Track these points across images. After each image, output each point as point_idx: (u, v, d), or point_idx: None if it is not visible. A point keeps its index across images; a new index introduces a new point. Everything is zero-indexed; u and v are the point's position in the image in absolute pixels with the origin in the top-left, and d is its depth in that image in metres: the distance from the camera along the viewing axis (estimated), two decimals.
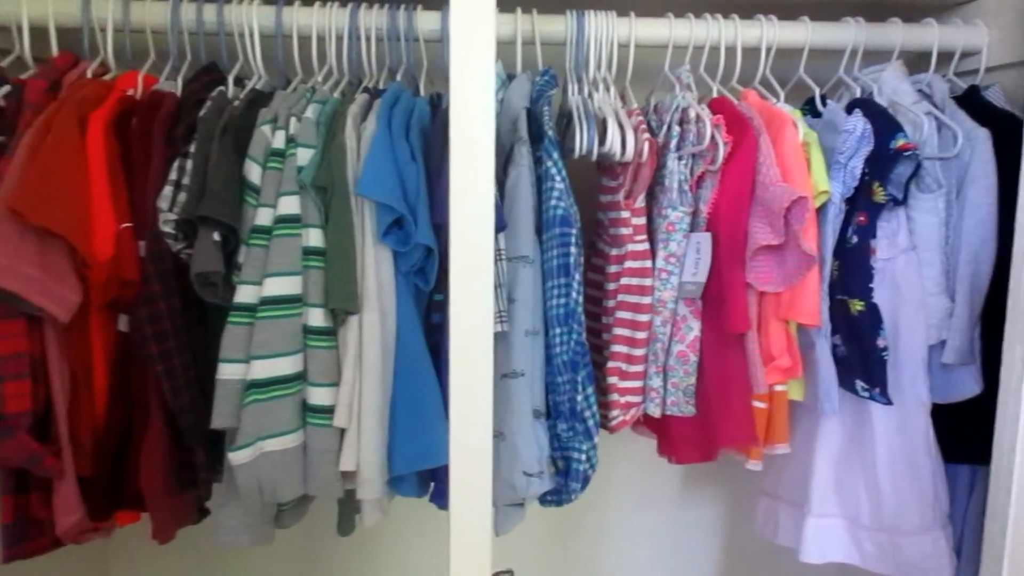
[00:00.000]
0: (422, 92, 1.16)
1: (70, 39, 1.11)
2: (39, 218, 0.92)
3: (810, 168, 1.12)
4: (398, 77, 1.15)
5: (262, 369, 0.97)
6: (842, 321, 1.15)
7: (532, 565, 1.64)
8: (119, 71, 1.11)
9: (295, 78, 1.14)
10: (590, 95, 1.16)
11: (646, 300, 1.15)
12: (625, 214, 1.14)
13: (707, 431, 1.17)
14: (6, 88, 1.03)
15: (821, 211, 1.13)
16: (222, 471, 1.07)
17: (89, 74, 1.08)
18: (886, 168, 1.11)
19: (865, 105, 1.14)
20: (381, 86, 1.16)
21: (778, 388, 1.18)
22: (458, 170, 0.83)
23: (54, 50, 1.10)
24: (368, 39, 1.13)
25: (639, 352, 1.16)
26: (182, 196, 0.99)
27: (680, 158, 1.14)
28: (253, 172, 1.01)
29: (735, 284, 1.11)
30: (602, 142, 1.09)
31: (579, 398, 1.08)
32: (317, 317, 1.00)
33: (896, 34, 1.23)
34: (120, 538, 1.15)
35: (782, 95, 1.22)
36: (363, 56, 1.14)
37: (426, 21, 1.14)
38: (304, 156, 1.01)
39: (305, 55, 1.14)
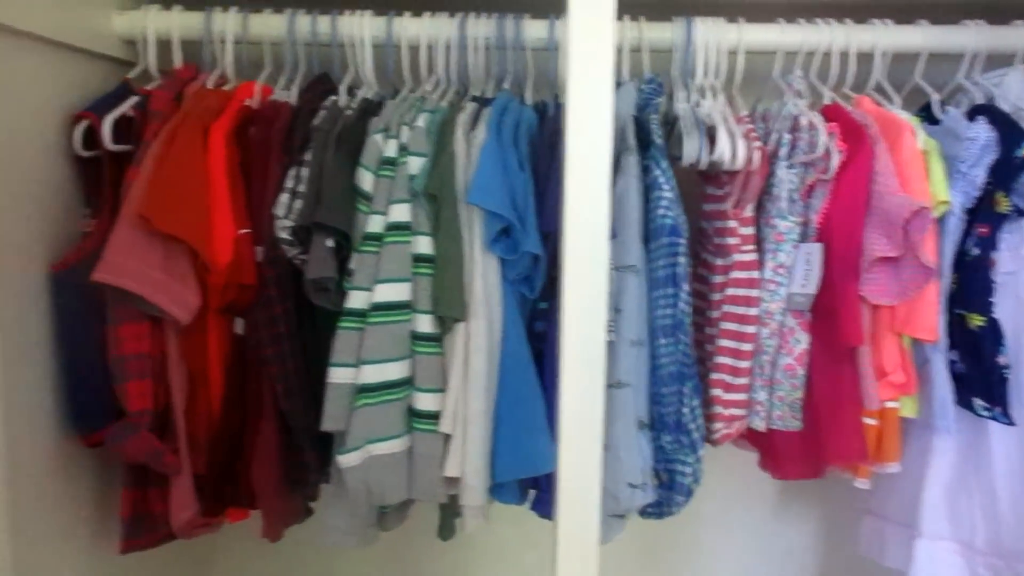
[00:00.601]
0: (528, 100, 1.16)
1: (191, 51, 1.15)
2: (166, 225, 0.95)
3: (929, 177, 1.08)
4: (505, 86, 1.15)
5: (372, 374, 0.99)
6: (960, 336, 1.11)
7: None
8: (237, 82, 1.15)
9: (404, 87, 1.16)
10: (697, 103, 1.14)
11: (752, 311, 1.12)
12: (732, 224, 1.12)
13: (815, 447, 1.13)
14: (134, 99, 1.07)
15: (940, 222, 1.09)
16: (329, 473, 1.09)
17: (210, 85, 1.12)
18: (1011, 177, 1.07)
19: (989, 112, 1.10)
20: (488, 95, 1.16)
21: (890, 405, 1.14)
22: (574, 180, 0.83)
23: (177, 62, 1.14)
24: (476, 48, 1.14)
25: (744, 364, 1.14)
26: (298, 203, 1.02)
27: (791, 167, 1.12)
28: (365, 180, 1.02)
29: (849, 296, 1.08)
30: (711, 150, 1.07)
31: (684, 410, 1.06)
32: (425, 323, 1.01)
33: (1020, 37, 1.17)
34: (225, 533, 1.18)
35: (897, 101, 1.18)
36: (470, 65, 1.15)
37: (534, 30, 1.14)
38: (415, 164, 1.02)
39: (414, 65, 1.15)
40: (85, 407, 1.05)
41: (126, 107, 1.06)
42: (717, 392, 1.15)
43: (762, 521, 1.62)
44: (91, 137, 1.06)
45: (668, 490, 1.10)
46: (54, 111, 1.04)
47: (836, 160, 1.08)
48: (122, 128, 1.06)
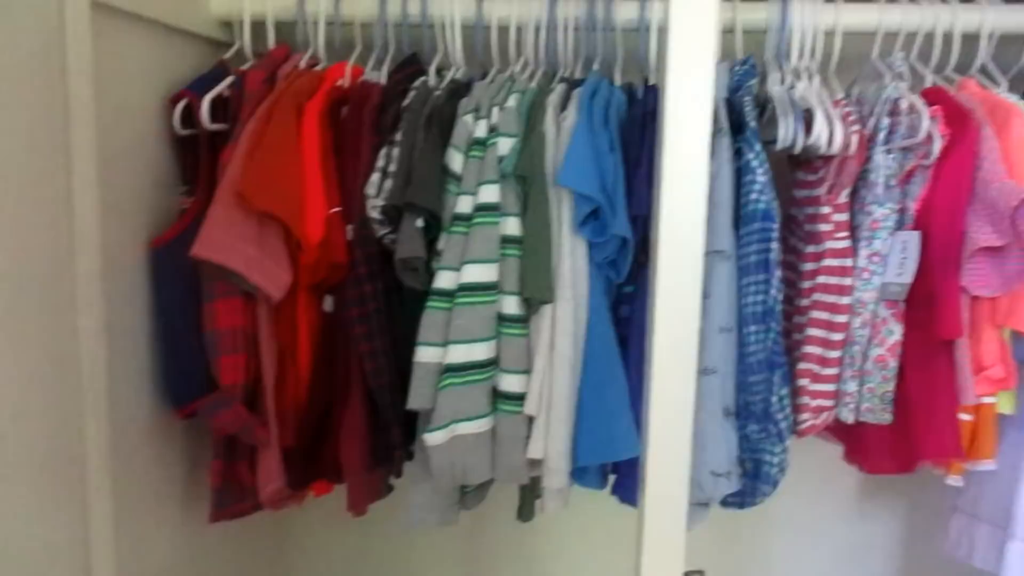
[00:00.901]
0: (617, 82, 1.15)
1: (284, 32, 1.17)
2: (262, 203, 0.97)
3: None
4: (594, 67, 1.14)
5: (459, 354, 0.99)
6: None
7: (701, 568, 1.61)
8: (328, 62, 1.16)
9: (492, 68, 1.16)
10: (792, 85, 1.11)
11: (844, 300, 1.09)
12: (825, 210, 1.09)
13: (906, 441, 1.10)
14: (229, 79, 1.09)
15: None
16: (412, 451, 1.10)
17: (302, 65, 1.13)
18: None
19: None
20: (576, 76, 1.15)
21: (986, 400, 1.10)
22: (671, 164, 0.82)
23: (270, 43, 1.16)
24: (566, 29, 1.13)
25: (834, 354, 1.11)
26: (388, 183, 1.03)
27: (889, 152, 1.08)
28: (455, 161, 1.03)
29: (948, 287, 1.04)
30: (808, 134, 1.04)
31: (773, 399, 1.04)
32: (511, 305, 1.01)
33: None
34: (304, 507, 1.21)
35: (1004, 84, 1.13)
36: (559, 46, 1.14)
37: (625, 10, 1.12)
38: (505, 145, 1.02)
39: (502, 45, 1.15)
40: (180, 379, 1.08)
41: (222, 87, 1.08)
42: (804, 382, 1.12)
43: (842, 515, 1.58)
44: (188, 116, 1.08)
45: (753, 480, 1.09)
46: (155, 90, 1.07)
47: (938, 145, 1.04)
48: (218, 107, 1.08)
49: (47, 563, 0.85)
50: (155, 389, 1.08)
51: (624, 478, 1.11)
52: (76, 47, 0.84)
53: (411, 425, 1.09)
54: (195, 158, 1.09)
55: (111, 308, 0.96)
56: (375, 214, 1.03)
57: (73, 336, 0.87)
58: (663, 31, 1.11)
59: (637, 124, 1.06)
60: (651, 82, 1.14)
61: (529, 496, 1.16)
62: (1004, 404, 1.12)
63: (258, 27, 1.16)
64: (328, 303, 1.08)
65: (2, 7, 0.75)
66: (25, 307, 0.79)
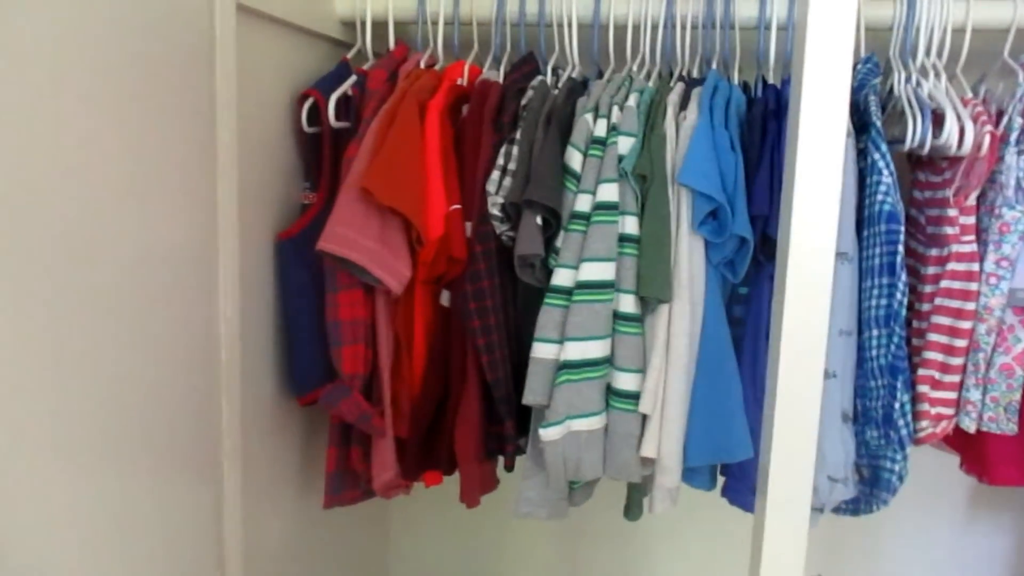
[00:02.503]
0: (734, 81, 1.14)
1: (403, 32, 1.20)
2: (387, 198, 1.00)
3: None
4: (713, 65, 1.13)
5: (575, 351, 1.00)
6: None
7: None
8: (446, 62, 1.18)
9: (608, 67, 1.16)
10: (918, 83, 1.08)
11: (969, 306, 1.06)
12: (952, 212, 1.06)
13: None
14: (353, 78, 1.13)
15: None
16: (524, 445, 1.12)
17: (422, 65, 1.16)
18: None
19: None
20: (693, 74, 1.15)
21: None
22: (804, 164, 0.81)
23: (390, 43, 1.19)
24: (683, 27, 1.13)
25: (956, 361, 1.08)
26: (508, 181, 1.04)
27: (1020, 153, 1.04)
28: (574, 159, 1.04)
29: None
30: (937, 133, 1.01)
31: (895, 405, 1.02)
32: (628, 303, 1.02)
33: None
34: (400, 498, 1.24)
35: None
36: (676, 44, 1.14)
37: (744, 8, 1.11)
38: (625, 144, 1.02)
39: (618, 44, 1.15)
40: (302, 368, 1.12)
41: (347, 86, 1.11)
42: (924, 389, 1.09)
43: (953, 527, 1.54)
44: (313, 114, 1.12)
45: (870, 487, 1.07)
46: (284, 88, 1.11)
47: None
48: (340, 106, 1.11)
49: (184, 535, 0.90)
50: (279, 376, 1.12)
51: (735, 480, 1.10)
52: (223, 48, 0.88)
53: (523, 420, 1.10)
54: (318, 154, 1.13)
55: (245, 297, 1.00)
56: (495, 211, 1.04)
57: (214, 322, 0.92)
58: (783, 29, 1.10)
59: (757, 123, 1.05)
60: (770, 80, 1.13)
61: (637, 495, 1.17)
62: None
63: (378, 27, 1.19)
64: (445, 297, 1.11)
65: (160, 12, 0.79)
66: (172, 294, 0.84)
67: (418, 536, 1.67)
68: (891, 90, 1.11)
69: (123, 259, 0.76)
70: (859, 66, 1.10)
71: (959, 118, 1.01)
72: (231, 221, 0.93)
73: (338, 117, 1.11)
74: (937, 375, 1.09)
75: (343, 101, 1.12)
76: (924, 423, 1.10)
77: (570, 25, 1.14)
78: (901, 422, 1.03)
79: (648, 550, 1.63)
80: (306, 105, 1.11)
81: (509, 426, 1.09)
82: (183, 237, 0.85)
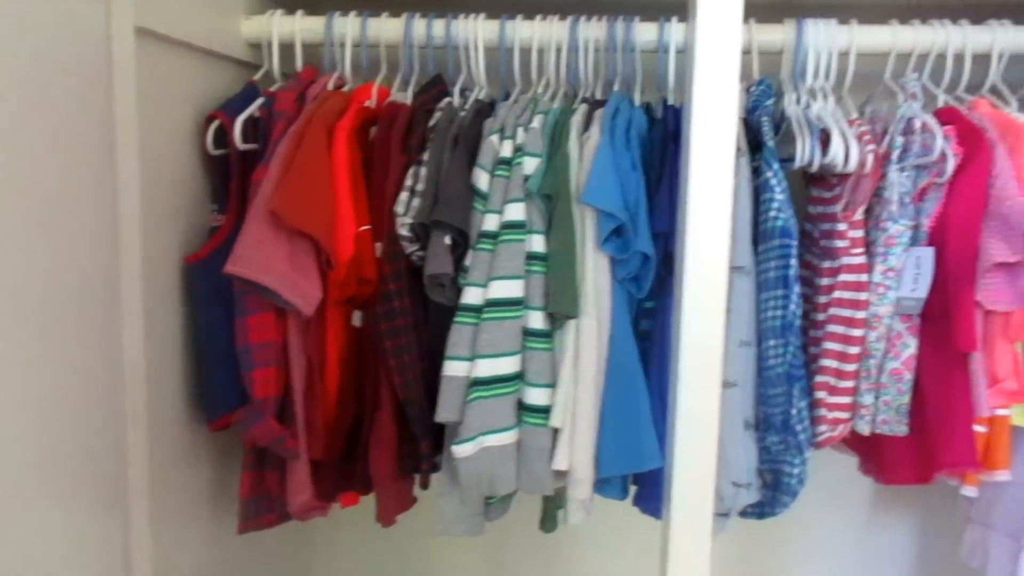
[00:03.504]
0: (636, 102, 1.18)
1: (311, 54, 1.20)
2: (295, 220, 1.00)
3: None
4: (615, 87, 1.17)
5: (486, 368, 1.02)
6: None
7: None
8: (354, 83, 1.19)
9: (514, 89, 1.19)
10: (808, 104, 1.14)
11: (860, 315, 1.12)
12: (842, 226, 1.12)
13: (922, 453, 1.12)
14: (260, 100, 1.12)
15: None
16: (438, 463, 1.13)
17: (330, 86, 1.16)
18: None
19: None
20: (597, 96, 1.18)
21: (1001, 412, 1.12)
22: (696, 182, 0.85)
23: (298, 64, 1.19)
24: (587, 50, 1.16)
25: (850, 367, 1.13)
26: (416, 201, 1.06)
27: (903, 170, 1.11)
28: (481, 179, 1.06)
29: (964, 302, 1.06)
30: (825, 152, 1.07)
31: (793, 411, 1.07)
32: (537, 320, 1.04)
33: None
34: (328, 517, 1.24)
35: (1014, 104, 1.16)
36: (580, 67, 1.17)
37: (644, 32, 1.15)
38: (531, 165, 1.05)
39: (524, 66, 1.18)
40: (213, 392, 1.11)
41: (254, 108, 1.11)
42: (821, 395, 1.14)
43: (857, 526, 1.60)
44: (220, 136, 1.11)
45: (773, 491, 1.11)
46: (189, 110, 1.10)
47: (952, 163, 1.07)
48: (248, 127, 1.11)
49: (90, 567, 0.88)
50: (190, 401, 1.10)
51: (646, 489, 1.13)
52: (122, 71, 0.87)
53: (438, 437, 1.11)
54: (226, 177, 1.12)
55: (148, 323, 0.98)
56: (404, 231, 1.05)
57: (117, 349, 0.90)
58: (681, 52, 1.14)
59: (658, 143, 1.09)
60: (670, 101, 1.17)
61: (552, 507, 1.19)
62: (1018, 416, 1.14)
63: (286, 49, 1.19)
64: (357, 318, 1.11)
65: (53, 34, 0.78)
66: (72, 322, 0.82)
67: (341, 558, 1.66)
68: (784, 111, 1.16)
69: (18, 286, 0.74)
70: (753, 88, 1.15)
71: (844, 138, 1.07)
72: (134, 245, 0.92)
73: (246, 139, 1.11)
74: (833, 381, 1.14)
75: (251, 123, 1.11)
76: (823, 427, 1.15)
77: (477, 48, 1.16)
78: (799, 427, 1.07)
79: (569, 561, 1.66)
80: (212, 127, 1.10)
81: (424, 445, 1.10)
82: (82, 262, 0.84)
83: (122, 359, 0.91)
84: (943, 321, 1.09)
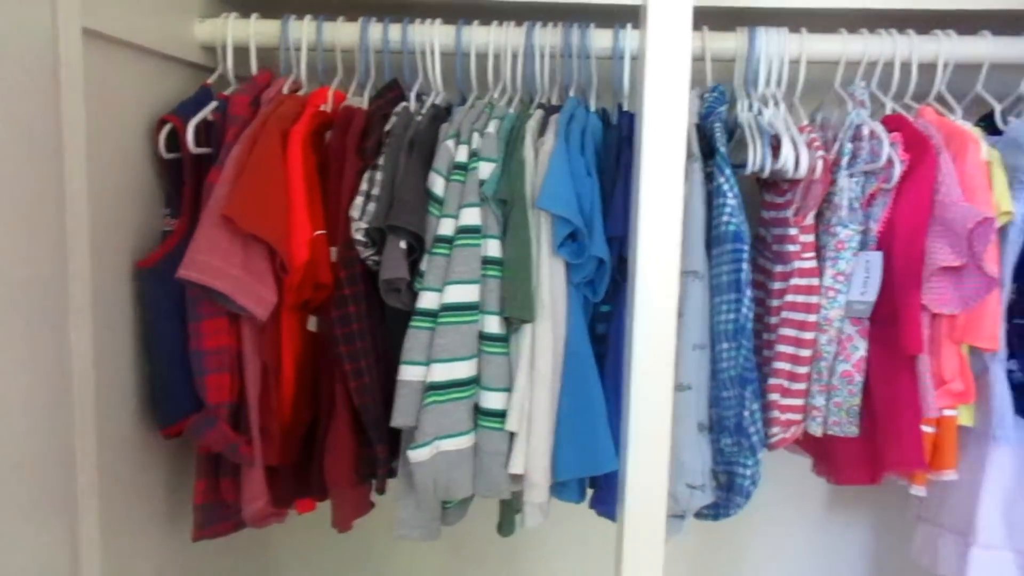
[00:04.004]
0: (592, 108, 1.19)
1: (267, 58, 1.19)
2: (249, 225, 0.99)
3: (992, 188, 1.08)
4: (570, 93, 1.18)
5: (442, 372, 1.02)
6: (1021, 346, 1.12)
7: None
8: (310, 87, 1.19)
9: (471, 94, 1.19)
10: (760, 111, 1.16)
11: (812, 318, 1.14)
12: (793, 231, 1.14)
13: (873, 453, 1.14)
14: (214, 103, 1.11)
15: (1001, 232, 1.10)
16: (395, 468, 1.12)
17: (285, 90, 1.16)
18: None
19: None
20: (553, 102, 1.19)
21: (948, 413, 1.15)
22: (648, 187, 0.86)
23: (253, 68, 1.18)
24: (542, 56, 1.17)
25: (802, 370, 1.15)
26: (371, 206, 1.05)
27: (852, 175, 1.13)
28: (437, 184, 1.06)
29: (910, 305, 1.09)
30: (775, 159, 1.09)
31: (745, 413, 1.08)
32: (493, 324, 1.04)
33: None
34: (287, 524, 1.22)
35: (959, 111, 1.19)
36: (536, 73, 1.18)
37: (599, 39, 1.16)
38: (486, 170, 1.05)
39: (481, 72, 1.18)
40: (166, 399, 1.10)
41: (207, 111, 1.10)
42: (775, 397, 1.16)
43: (812, 526, 1.63)
44: (173, 140, 1.10)
45: (727, 492, 1.12)
46: (139, 114, 1.08)
47: (899, 170, 1.09)
48: (201, 131, 1.10)
49: None
50: (141, 408, 1.09)
51: (602, 492, 1.14)
52: (69, 73, 0.86)
53: (395, 442, 1.11)
54: (179, 181, 1.11)
55: (98, 328, 0.97)
56: (359, 236, 1.05)
57: (64, 356, 0.89)
58: (636, 59, 1.16)
59: (612, 148, 1.10)
60: (625, 107, 1.18)
61: (509, 511, 1.19)
62: (964, 417, 1.17)
63: (241, 53, 1.18)
64: (312, 323, 1.10)
65: None
66: (17, 327, 0.81)
67: (302, 564, 1.65)
68: (737, 117, 1.18)
69: None
70: (707, 95, 1.17)
71: (795, 144, 1.09)
72: (82, 249, 0.91)
73: (199, 143, 1.10)
74: (786, 383, 1.16)
75: (204, 127, 1.10)
76: (776, 429, 1.16)
77: (433, 53, 1.17)
78: (752, 429, 1.09)
79: (528, 564, 1.66)
80: (164, 131, 1.09)
81: (380, 449, 1.09)
82: (27, 266, 0.82)
83: (70, 366, 0.90)
84: (891, 324, 1.11)
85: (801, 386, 1.16)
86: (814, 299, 1.13)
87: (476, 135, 1.07)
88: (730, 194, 1.07)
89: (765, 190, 1.21)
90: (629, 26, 1.16)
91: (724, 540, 1.64)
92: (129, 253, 1.07)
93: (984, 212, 1.02)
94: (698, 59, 1.19)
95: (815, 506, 1.63)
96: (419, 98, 1.19)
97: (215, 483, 1.13)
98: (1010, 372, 1.13)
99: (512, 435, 1.06)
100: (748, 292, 1.06)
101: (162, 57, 1.12)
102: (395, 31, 1.17)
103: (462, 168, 1.05)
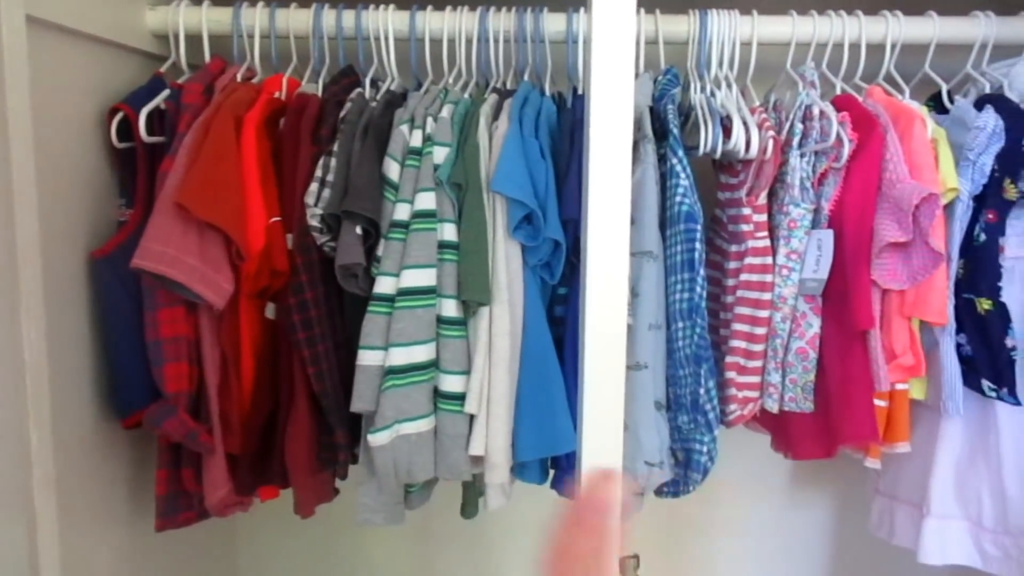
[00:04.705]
0: (547, 92, 1.20)
1: (220, 45, 1.19)
2: (204, 212, 0.99)
3: (938, 165, 1.11)
4: (524, 77, 1.18)
5: (400, 356, 1.02)
6: (969, 320, 1.14)
7: (640, 556, 1.66)
8: (264, 75, 1.18)
9: (426, 80, 1.19)
10: (712, 93, 1.17)
11: (766, 296, 1.15)
12: (746, 211, 1.15)
13: (827, 428, 1.17)
14: (166, 92, 1.11)
15: (948, 208, 1.12)
16: (358, 453, 1.13)
17: (239, 78, 1.15)
18: (1019, 165, 1.10)
19: (997, 101, 1.13)
20: (508, 86, 1.20)
21: (900, 387, 1.18)
22: (596, 169, 0.86)
23: (206, 56, 1.17)
24: (496, 41, 1.17)
25: (758, 348, 1.17)
26: (327, 192, 1.05)
27: (803, 155, 1.15)
28: (392, 169, 1.06)
29: (860, 281, 1.11)
30: (727, 140, 1.10)
31: (701, 391, 1.09)
32: (450, 308, 1.05)
33: None
34: (253, 512, 1.23)
35: (907, 91, 1.21)
36: (491, 57, 1.18)
37: (552, 23, 1.17)
38: (440, 154, 1.06)
39: (435, 57, 1.18)
40: (124, 389, 1.09)
41: (159, 100, 1.10)
42: (731, 375, 1.18)
43: (774, 501, 1.66)
44: (126, 129, 1.09)
45: (684, 469, 1.14)
46: (90, 104, 1.07)
47: (848, 149, 1.11)
48: (155, 120, 1.10)
49: None
50: (99, 399, 1.09)
51: (563, 472, 1.15)
52: (12, 61, 0.85)
53: (356, 428, 1.11)
54: (133, 170, 1.10)
55: (52, 319, 0.96)
56: (315, 222, 1.05)
57: (16, 347, 0.88)
58: (588, 43, 1.16)
59: (566, 132, 1.11)
60: (580, 91, 1.19)
61: (472, 493, 1.20)
62: (916, 390, 1.19)
63: (193, 40, 1.17)
64: (270, 310, 1.10)
65: None
66: None
67: (268, 551, 1.65)
68: (690, 100, 1.19)
69: None
70: (660, 78, 1.18)
71: (745, 125, 1.10)
72: (32, 240, 0.90)
73: (151, 132, 1.09)
74: (742, 361, 1.18)
75: (156, 115, 1.10)
76: (733, 406, 1.18)
77: (387, 39, 1.17)
78: (708, 407, 1.11)
79: (493, 546, 1.67)
80: (116, 120, 1.08)
81: (340, 435, 1.10)
82: None
83: (22, 358, 0.89)
84: (842, 301, 1.13)
85: (757, 364, 1.18)
86: (768, 278, 1.15)
87: (430, 120, 1.08)
88: (683, 175, 1.08)
89: (720, 171, 1.23)
90: (582, 10, 1.17)
91: (687, 520, 1.66)
92: (83, 243, 1.06)
93: (929, 188, 1.04)
94: (652, 42, 1.20)
95: (778, 485, 1.66)
96: (374, 84, 1.19)
97: (176, 473, 1.13)
98: (959, 346, 1.16)
99: (472, 417, 1.07)
100: (702, 271, 1.08)
101: (113, 46, 1.11)
102: (349, 17, 1.17)
103: (416, 153, 1.06)
